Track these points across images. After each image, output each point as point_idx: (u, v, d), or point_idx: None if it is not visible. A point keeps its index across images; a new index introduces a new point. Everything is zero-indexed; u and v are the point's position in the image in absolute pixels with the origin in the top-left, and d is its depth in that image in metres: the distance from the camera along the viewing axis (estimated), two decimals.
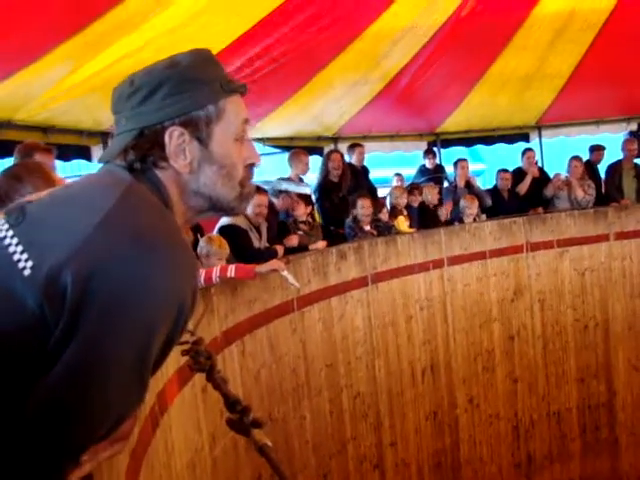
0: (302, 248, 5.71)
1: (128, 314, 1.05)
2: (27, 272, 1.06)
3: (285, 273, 4.53)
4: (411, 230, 6.83)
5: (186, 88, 1.23)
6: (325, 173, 6.90)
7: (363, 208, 6.40)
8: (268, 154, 8.18)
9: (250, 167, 1.35)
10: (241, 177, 1.32)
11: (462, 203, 7.33)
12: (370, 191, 7.48)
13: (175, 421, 3.22)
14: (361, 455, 6.04)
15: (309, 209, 6.22)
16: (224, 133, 1.27)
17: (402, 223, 6.79)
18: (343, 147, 8.33)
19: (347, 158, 7.82)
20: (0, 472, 1.01)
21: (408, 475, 6.53)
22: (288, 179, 6.43)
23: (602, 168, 8.50)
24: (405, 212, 7.01)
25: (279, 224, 5.99)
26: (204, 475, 3.59)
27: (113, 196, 1.14)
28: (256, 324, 4.71)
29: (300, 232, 5.89)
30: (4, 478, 1.01)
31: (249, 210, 5.18)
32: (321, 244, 5.91)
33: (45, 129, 5.48)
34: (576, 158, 7.95)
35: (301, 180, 6.67)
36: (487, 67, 7.52)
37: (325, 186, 6.87)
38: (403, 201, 7.05)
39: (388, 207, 6.99)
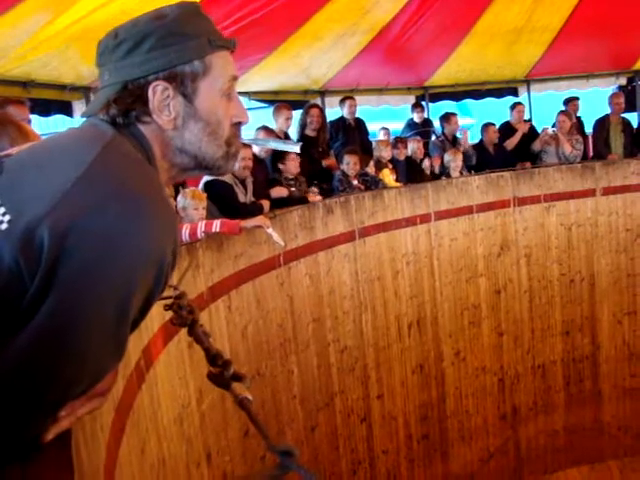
0: (290, 201, 5.66)
1: (106, 268, 1.02)
2: (4, 226, 1.03)
3: (270, 230, 4.51)
4: (397, 184, 6.80)
5: (172, 42, 1.19)
6: (303, 128, 6.85)
7: (349, 164, 6.39)
8: (254, 109, 8.08)
9: (237, 126, 1.32)
10: (227, 135, 1.29)
11: (447, 157, 7.32)
12: (363, 145, 7.44)
13: (161, 376, 3.23)
14: (348, 408, 6.11)
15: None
16: (210, 89, 1.24)
17: (387, 176, 6.76)
18: (330, 101, 8.25)
19: (338, 112, 7.76)
20: None
21: (395, 428, 6.63)
22: (277, 136, 6.31)
23: (588, 123, 8.51)
24: (390, 165, 6.99)
25: (269, 181, 5.92)
26: (192, 429, 3.62)
27: (94, 150, 1.11)
28: (242, 279, 4.70)
29: (292, 189, 5.84)
30: None
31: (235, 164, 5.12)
32: (318, 197, 5.90)
33: (25, 83, 5.37)
34: (563, 113, 7.92)
35: (287, 136, 6.61)
36: (475, 19, 7.43)
37: (303, 141, 6.82)
38: (387, 154, 7.02)
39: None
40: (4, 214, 1.04)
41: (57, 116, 6.03)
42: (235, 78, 1.30)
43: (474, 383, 7.21)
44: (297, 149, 5.53)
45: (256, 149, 5.80)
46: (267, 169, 6.07)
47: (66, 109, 5.96)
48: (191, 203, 4.36)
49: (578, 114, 8.44)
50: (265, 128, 6.03)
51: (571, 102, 8.34)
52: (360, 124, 7.83)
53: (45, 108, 5.65)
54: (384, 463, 6.52)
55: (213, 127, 1.26)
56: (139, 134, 1.22)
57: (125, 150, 1.17)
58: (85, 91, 6.01)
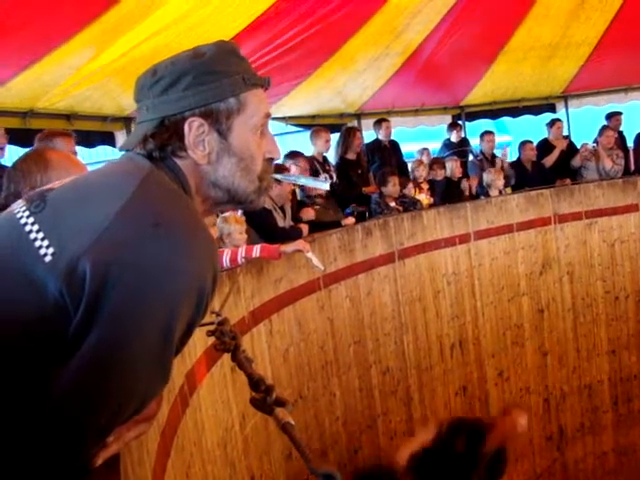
0: (326, 225, 5.69)
1: (149, 299, 1.06)
2: (48, 258, 1.07)
3: (310, 255, 4.51)
4: (428, 201, 6.82)
5: (208, 80, 1.23)
6: (343, 151, 6.88)
7: (394, 186, 6.42)
8: (290, 133, 8.17)
9: (270, 161, 1.36)
10: (260, 171, 1.32)
11: (488, 176, 7.28)
12: (400, 166, 7.47)
13: (205, 401, 3.26)
14: (391, 430, 6.07)
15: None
16: (244, 126, 1.28)
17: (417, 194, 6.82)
18: (366, 123, 8.28)
19: (373, 134, 7.80)
20: (25, 456, 1.03)
21: None
22: (312, 156, 6.30)
23: (629, 137, 8.40)
24: (427, 186, 7.00)
25: (298, 202, 5.97)
26: (235, 453, 3.64)
27: (133, 183, 1.15)
28: (283, 303, 4.73)
29: (317, 206, 5.88)
30: (29, 463, 1.03)
31: (279, 189, 5.20)
32: (350, 219, 5.93)
33: (68, 116, 5.53)
34: (608, 127, 7.83)
35: (325, 159, 6.66)
36: (509, 36, 7.41)
37: (343, 164, 6.86)
38: (422, 174, 7.04)
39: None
40: (48, 247, 1.08)
41: (100, 147, 6.17)
42: (268, 115, 1.34)
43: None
44: (327, 186, 5.57)
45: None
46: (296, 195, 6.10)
47: (109, 139, 6.10)
48: (235, 228, 4.42)
49: (620, 128, 8.34)
50: (295, 153, 6.03)
51: (614, 117, 8.25)
52: (394, 146, 7.86)
53: (89, 139, 5.79)
54: None
55: (246, 162, 1.30)
56: (175, 167, 1.26)
57: (162, 182, 1.21)
58: (125, 121, 6.15)
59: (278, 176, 4.74)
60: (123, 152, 1.33)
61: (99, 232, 1.07)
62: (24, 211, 1.16)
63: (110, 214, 1.09)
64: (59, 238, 1.09)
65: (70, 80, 4.66)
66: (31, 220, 1.14)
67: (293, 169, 5.69)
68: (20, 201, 1.22)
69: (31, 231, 1.11)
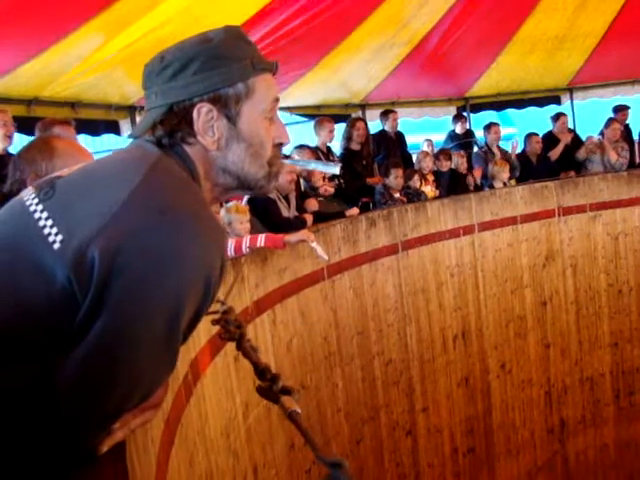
0: (330, 215, 5.68)
1: (156, 286, 1.06)
2: (57, 246, 1.07)
3: (314, 245, 4.50)
4: (433, 193, 6.81)
5: (216, 65, 1.23)
6: (347, 141, 6.87)
7: (397, 178, 6.41)
8: (294, 123, 8.15)
9: (279, 146, 1.36)
10: (269, 156, 1.32)
11: (493, 168, 7.26)
12: (404, 158, 7.45)
13: (208, 390, 3.27)
14: (393, 421, 6.08)
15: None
16: (253, 111, 1.28)
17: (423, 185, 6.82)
18: (371, 114, 8.27)
19: (379, 125, 7.78)
20: (31, 444, 1.03)
21: (440, 441, 6.57)
22: (317, 152, 6.30)
23: (635, 129, 8.37)
24: (432, 177, 6.99)
25: (301, 194, 5.97)
26: (238, 442, 3.65)
27: (141, 170, 1.15)
28: (287, 293, 4.73)
29: (320, 198, 5.87)
30: (35, 450, 1.03)
31: (281, 179, 5.17)
32: (354, 210, 5.92)
33: (73, 104, 5.53)
34: (615, 120, 7.80)
35: (329, 150, 6.64)
36: (516, 28, 7.38)
37: (347, 154, 6.84)
38: (427, 165, 7.03)
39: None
40: (57, 234, 1.08)
41: (105, 135, 6.17)
42: (277, 100, 1.33)
43: (520, 396, 7.10)
44: (337, 170, 5.55)
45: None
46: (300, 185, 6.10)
47: (114, 128, 6.10)
48: (236, 217, 4.42)
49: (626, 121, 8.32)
50: (303, 147, 6.03)
51: (621, 111, 8.22)
52: (400, 137, 7.84)
53: (94, 128, 5.80)
54: (430, 477, 6.46)
55: (255, 148, 1.29)
56: (184, 154, 1.25)
57: (171, 169, 1.21)
58: (130, 110, 6.14)
59: (288, 160, 4.73)
60: (131, 139, 1.33)
61: (107, 219, 1.06)
62: (33, 198, 1.17)
63: (118, 201, 1.08)
64: (68, 225, 1.09)
65: (76, 69, 4.66)
66: (40, 207, 1.14)
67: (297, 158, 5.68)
68: (29, 188, 1.22)
69: (40, 218, 1.12)
